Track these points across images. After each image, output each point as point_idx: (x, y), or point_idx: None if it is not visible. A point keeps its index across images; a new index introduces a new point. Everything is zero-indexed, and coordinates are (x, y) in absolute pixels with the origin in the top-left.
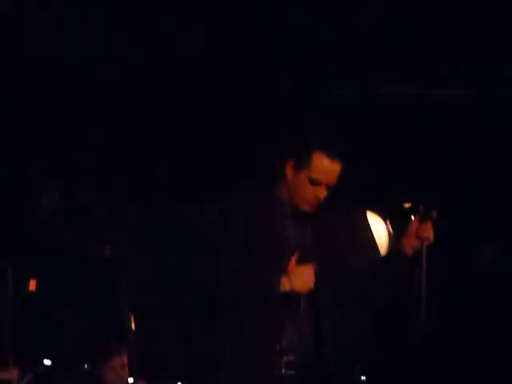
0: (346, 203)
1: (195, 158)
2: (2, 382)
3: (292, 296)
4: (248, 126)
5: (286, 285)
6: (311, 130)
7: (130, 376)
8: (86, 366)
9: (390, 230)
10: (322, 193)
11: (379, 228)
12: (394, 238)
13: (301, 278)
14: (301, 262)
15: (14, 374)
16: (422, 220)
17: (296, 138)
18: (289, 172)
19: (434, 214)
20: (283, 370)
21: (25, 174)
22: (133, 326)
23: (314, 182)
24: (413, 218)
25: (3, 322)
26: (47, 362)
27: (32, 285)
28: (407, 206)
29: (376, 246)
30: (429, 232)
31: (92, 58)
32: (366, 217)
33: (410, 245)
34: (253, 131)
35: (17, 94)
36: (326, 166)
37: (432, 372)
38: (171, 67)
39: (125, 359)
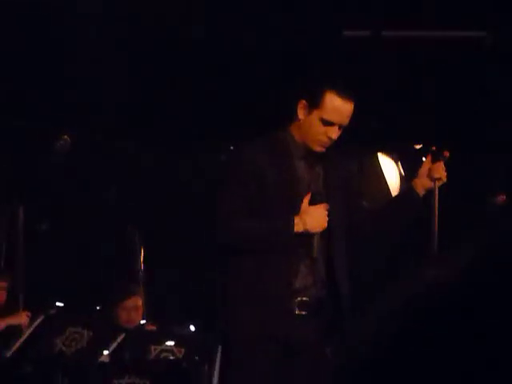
0: (358, 145)
1: (209, 101)
2: (12, 327)
3: (305, 236)
4: (261, 67)
5: (299, 225)
6: (323, 70)
7: (142, 318)
8: (98, 307)
9: (402, 171)
10: (335, 133)
11: (391, 169)
12: (406, 179)
13: (314, 218)
14: (313, 202)
15: (24, 318)
16: (434, 160)
17: (308, 79)
18: (301, 112)
19: (446, 154)
20: (297, 310)
21: (37, 120)
22: (142, 269)
23: (326, 123)
24: (424, 158)
25: (15, 263)
26: (59, 303)
27: (45, 226)
28: (419, 146)
29: (387, 187)
30: (441, 172)
31: None
32: (378, 158)
33: (422, 185)
34: (266, 72)
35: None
36: (338, 106)
37: (441, 316)
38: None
39: (139, 301)
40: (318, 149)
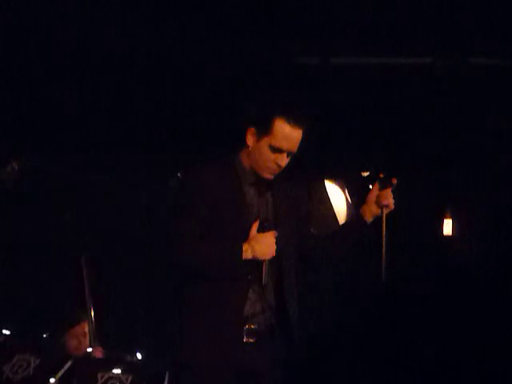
0: (306, 172)
1: (157, 128)
2: None
3: (254, 263)
4: (209, 93)
5: (247, 252)
6: (272, 97)
7: (90, 345)
8: (45, 335)
9: (349, 198)
10: (283, 160)
11: (338, 196)
12: (354, 206)
13: (262, 245)
14: (262, 229)
15: None
16: (381, 188)
17: (257, 105)
18: (250, 139)
19: (394, 181)
20: (245, 338)
21: None
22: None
23: (275, 150)
24: (371, 186)
25: None
26: (6, 331)
27: None
28: (366, 173)
29: (334, 213)
30: (389, 199)
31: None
32: (325, 185)
33: (370, 212)
34: (215, 98)
35: None
36: (287, 133)
37: (391, 338)
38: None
39: (86, 327)
40: (268, 176)
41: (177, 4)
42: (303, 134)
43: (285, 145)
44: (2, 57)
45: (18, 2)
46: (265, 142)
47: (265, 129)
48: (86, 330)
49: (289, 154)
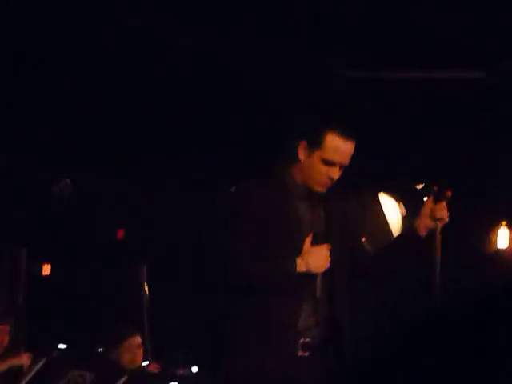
0: (359, 185)
1: (209, 143)
2: (14, 368)
3: (308, 277)
4: (262, 108)
5: (301, 266)
6: (324, 110)
7: (144, 359)
8: (99, 349)
9: (403, 211)
10: (336, 173)
11: (392, 210)
12: (408, 220)
13: (316, 258)
14: (315, 243)
15: (25, 359)
16: (436, 200)
17: (309, 119)
18: (302, 153)
19: (449, 194)
20: (300, 352)
21: (38, 161)
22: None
23: (327, 163)
24: (426, 198)
25: (17, 306)
26: (61, 346)
27: (46, 269)
28: (420, 186)
29: (389, 227)
30: (443, 212)
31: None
32: (379, 199)
33: (424, 226)
34: (266, 114)
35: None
36: (339, 146)
37: (444, 354)
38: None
39: (139, 340)
40: (320, 189)
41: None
42: (355, 146)
43: (337, 158)
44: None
45: None
46: (317, 156)
47: (317, 142)
48: (140, 342)
49: (341, 166)
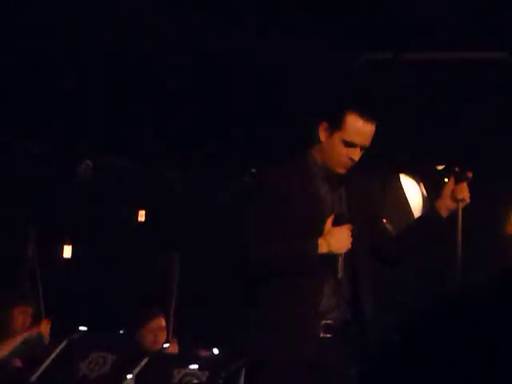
0: (380, 166)
1: (233, 127)
2: (34, 339)
3: (330, 257)
4: (283, 92)
5: (323, 246)
6: (345, 92)
7: (166, 341)
8: (121, 331)
9: (424, 192)
10: (356, 154)
11: (413, 190)
12: (429, 201)
13: (338, 238)
14: (337, 223)
15: (43, 326)
16: (457, 181)
17: (329, 101)
18: (322, 135)
19: (470, 174)
20: (321, 333)
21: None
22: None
23: (348, 144)
24: (447, 179)
25: (38, 289)
26: (83, 328)
27: (67, 252)
28: (441, 167)
29: (410, 208)
30: (464, 193)
31: None
32: (400, 179)
33: (445, 207)
34: (288, 96)
35: None
36: (359, 127)
37: (465, 334)
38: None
39: (163, 322)
40: (341, 170)
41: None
42: (375, 127)
43: (357, 139)
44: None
45: None
46: (337, 137)
47: (337, 124)
48: (162, 324)
49: (361, 148)
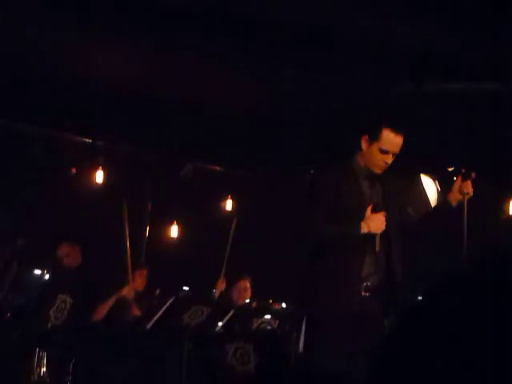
0: (407, 169)
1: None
2: (121, 299)
3: (370, 236)
4: (336, 117)
5: (364, 228)
6: (381, 113)
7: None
8: (214, 290)
9: (438, 187)
10: (389, 159)
11: (430, 186)
12: (442, 194)
13: (375, 222)
14: (374, 211)
15: (126, 290)
16: (463, 179)
17: (369, 119)
18: (364, 145)
19: (473, 174)
20: (363, 292)
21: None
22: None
23: (383, 152)
24: (455, 178)
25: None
26: (185, 288)
27: (174, 231)
28: (451, 169)
29: (428, 199)
30: (469, 188)
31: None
32: (420, 178)
33: (454, 199)
34: (337, 118)
35: None
36: (391, 139)
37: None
38: None
39: (247, 283)
40: (378, 171)
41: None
42: (404, 139)
43: (390, 147)
44: None
45: None
46: (375, 146)
47: (375, 136)
48: (247, 285)
49: (393, 154)
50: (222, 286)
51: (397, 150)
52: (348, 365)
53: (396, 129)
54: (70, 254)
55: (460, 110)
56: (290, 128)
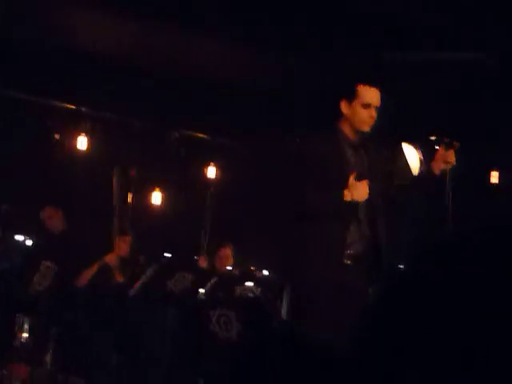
0: (390, 138)
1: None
2: (105, 266)
3: (353, 204)
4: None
5: (347, 196)
6: (354, 74)
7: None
8: (196, 257)
9: (421, 156)
10: (373, 113)
11: (413, 155)
12: (425, 163)
13: (358, 190)
14: (358, 179)
15: (109, 257)
16: (446, 148)
17: (343, 84)
18: (345, 109)
19: (456, 144)
20: (346, 261)
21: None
22: None
23: (365, 106)
24: (438, 147)
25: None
26: (167, 254)
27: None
28: (434, 138)
29: (410, 168)
30: (452, 158)
31: None
32: (403, 147)
33: (437, 167)
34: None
35: None
36: (369, 92)
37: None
38: None
39: (229, 251)
40: (366, 128)
41: None
42: (380, 92)
43: (371, 100)
44: None
45: None
46: (356, 104)
47: (353, 94)
48: (228, 253)
49: (375, 108)
50: (203, 263)
51: (377, 102)
52: (331, 333)
53: (370, 82)
54: (52, 217)
55: (443, 79)
56: (277, 97)
